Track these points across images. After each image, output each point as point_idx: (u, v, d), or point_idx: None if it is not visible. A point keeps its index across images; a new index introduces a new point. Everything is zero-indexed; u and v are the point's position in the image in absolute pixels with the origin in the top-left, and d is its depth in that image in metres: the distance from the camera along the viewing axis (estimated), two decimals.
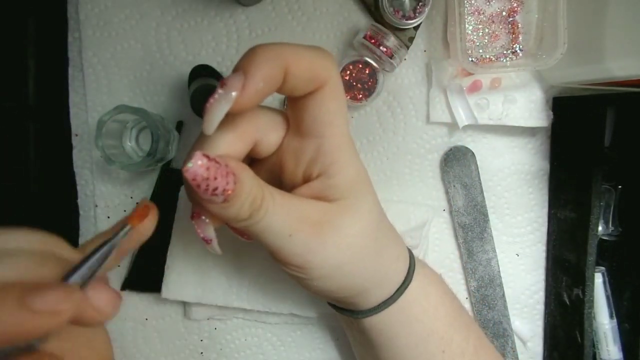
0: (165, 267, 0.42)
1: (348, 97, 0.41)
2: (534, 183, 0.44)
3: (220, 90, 0.23)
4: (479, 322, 0.44)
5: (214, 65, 0.43)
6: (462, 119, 0.42)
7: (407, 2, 0.40)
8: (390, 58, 0.40)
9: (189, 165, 0.22)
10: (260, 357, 0.45)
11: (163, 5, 0.43)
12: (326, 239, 0.27)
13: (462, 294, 0.45)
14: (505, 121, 0.42)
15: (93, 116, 0.43)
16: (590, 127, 0.39)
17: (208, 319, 0.45)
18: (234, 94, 0.23)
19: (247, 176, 0.24)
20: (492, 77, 0.42)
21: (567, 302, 0.41)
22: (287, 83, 0.25)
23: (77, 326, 0.21)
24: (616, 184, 0.43)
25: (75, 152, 0.44)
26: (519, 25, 0.42)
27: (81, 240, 0.44)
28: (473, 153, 0.43)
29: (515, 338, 0.45)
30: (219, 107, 0.23)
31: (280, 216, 0.26)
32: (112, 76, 0.43)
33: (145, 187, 0.44)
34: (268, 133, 0.28)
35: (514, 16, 0.42)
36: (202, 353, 0.45)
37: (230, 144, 0.26)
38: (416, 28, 0.42)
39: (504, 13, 0.42)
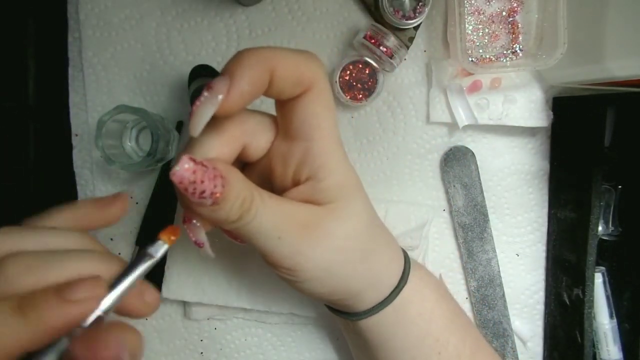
0: (165, 267, 0.42)
1: (348, 97, 0.41)
2: (534, 183, 0.44)
3: (206, 93, 0.23)
4: (479, 322, 0.44)
5: (214, 65, 0.43)
6: (462, 119, 0.42)
7: (407, 2, 0.40)
8: (390, 58, 0.40)
9: (176, 168, 0.23)
10: (260, 357, 0.45)
11: (163, 5, 0.43)
12: (314, 242, 0.27)
13: (462, 294, 0.45)
14: (505, 121, 0.42)
15: (93, 116, 0.43)
16: (590, 127, 0.39)
17: (208, 319, 0.45)
18: (220, 96, 0.23)
19: (236, 178, 0.25)
20: (492, 77, 0.42)
21: (567, 302, 0.41)
22: (273, 86, 0.25)
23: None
24: (616, 184, 0.43)
25: (75, 152, 0.44)
26: (519, 25, 0.42)
27: None
28: (473, 153, 0.43)
29: (515, 338, 0.45)
30: (205, 109, 0.23)
31: (269, 218, 0.26)
32: (112, 76, 0.43)
33: (145, 187, 0.44)
34: (256, 137, 0.28)
35: (514, 16, 0.42)
36: (202, 353, 0.45)
37: (219, 148, 0.26)
38: (416, 28, 0.42)
39: (504, 13, 0.42)
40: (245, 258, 0.42)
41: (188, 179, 0.23)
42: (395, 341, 0.33)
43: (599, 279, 0.41)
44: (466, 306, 0.45)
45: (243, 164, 0.31)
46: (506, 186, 0.44)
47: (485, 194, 0.44)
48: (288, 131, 0.28)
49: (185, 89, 0.41)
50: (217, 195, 0.24)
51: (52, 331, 0.20)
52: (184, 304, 0.44)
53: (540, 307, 0.45)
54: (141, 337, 0.23)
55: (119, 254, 0.44)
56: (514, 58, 0.42)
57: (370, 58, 0.40)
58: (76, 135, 0.44)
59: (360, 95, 0.41)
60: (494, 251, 0.44)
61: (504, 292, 0.44)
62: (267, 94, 0.26)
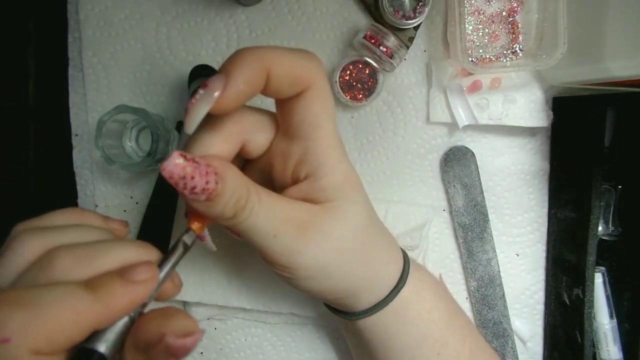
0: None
1: (348, 97, 0.41)
2: (534, 183, 0.44)
3: (201, 91, 0.23)
4: (479, 322, 0.44)
5: (214, 65, 0.43)
6: (462, 119, 0.42)
7: (407, 2, 0.40)
8: (390, 58, 0.40)
9: (166, 163, 0.23)
10: (260, 357, 0.45)
11: (163, 5, 0.43)
12: (310, 241, 0.27)
13: (462, 294, 0.45)
14: (505, 121, 0.42)
15: (93, 116, 0.43)
16: (590, 127, 0.39)
17: (208, 319, 0.45)
18: (215, 94, 0.23)
19: (232, 175, 0.25)
20: (492, 77, 0.42)
21: (567, 302, 0.41)
22: (270, 86, 0.25)
23: None
24: (616, 184, 0.43)
25: (75, 152, 0.44)
26: (519, 25, 0.42)
27: None
28: (473, 153, 0.43)
29: (515, 338, 0.45)
30: (200, 107, 0.23)
31: (265, 217, 0.26)
32: (112, 76, 0.43)
33: (145, 187, 0.44)
34: (256, 134, 0.28)
35: (514, 16, 0.42)
36: (202, 353, 0.45)
37: (218, 145, 0.27)
38: (416, 28, 0.42)
39: (504, 13, 0.42)
40: (245, 258, 0.42)
41: (178, 174, 0.23)
42: (394, 341, 0.33)
43: (599, 279, 0.41)
44: (466, 306, 0.45)
45: (245, 160, 0.31)
46: (506, 186, 0.44)
47: (485, 194, 0.44)
48: (288, 130, 0.28)
49: (185, 89, 0.41)
50: (210, 191, 0.24)
51: (120, 309, 0.22)
52: (184, 304, 0.44)
53: (540, 307, 0.45)
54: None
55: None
56: (514, 58, 0.42)
57: (370, 58, 0.40)
58: (76, 135, 0.44)
59: (360, 95, 0.41)
60: (494, 251, 0.44)
61: (504, 292, 0.44)
62: (264, 93, 0.26)
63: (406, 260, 0.34)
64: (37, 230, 0.24)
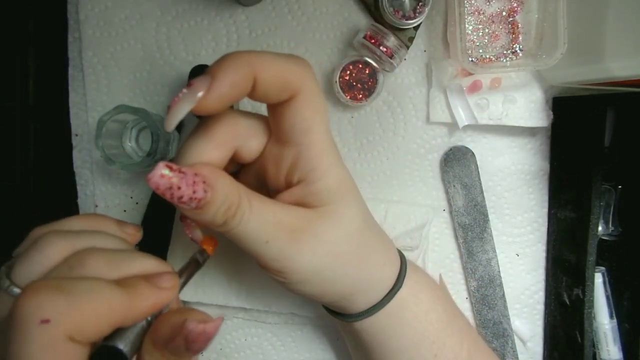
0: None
1: (348, 97, 0.41)
2: (534, 183, 0.44)
3: (185, 90, 0.24)
4: (479, 322, 0.44)
5: None
6: (462, 119, 0.42)
7: (407, 2, 0.40)
8: (390, 58, 0.40)
9: (151, 175, 0.23)
10: (260, 357, 0.45)
11: (163, 5, 0.43)
12: (303, 246, 0.27)
13: (462, 294, 0.45)
14: (505, 121, 0.42)
15: (93, 116, 0.43)
16: (590, 127, 0.39)
17: None
18: (198, 94, 0.23)
19: (222, 183, 0.25)
20: (492, 77, 0.42)
21: (567, 302, 0.41)
22: (258, 90, 0.25)
23: None
24: (616, 184, 0.43)
25: (75, 152, 0.44)
26: (519, 25, 0.42)
27: None
28: (473, 153, 0.43)
29: (515, 338, 0.45)
30: (181, 105, 0.24)
31: (256, 223, 0.26)
32: (112, 76, 0.43)
33: (145, 187, 0.44)
34: (248, 139, 0.28)
35: (514, 16, 0.42)
36: (202, 353, 0.45)
37: (210, 151, 0.27)
38: (416, 28, 0.42)
39: (504, 13, 0.42)
40: (245, 258, 0.42)
41: (164, 185, 0.23)
42: (391, 343, 0.33)
43: (599, 279, 0.41)
44: (466, 306, 0.45)
45: (239, 165, 0.31)
46: (506, 186, 0.44)
47: (485, 194, 0.44)
48: (279, 135, 0.28)
49: None
50: (199, 200, 0.24)
51: (145, 310, 0.23)
52: (184, 303, 0.44)
53: (540, 307, 0.45)
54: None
55: None
56: (514, 58, 0.42)
57: (370, 58, 0.40)
58: (76, 135, 0.44)
59: (360, 95, 0.41)
60: (494, 251, 0.44)
61: (504, 292, 0.44)
62: (252, 97, 0.26)
63: (403, 262, 0.34)
64: (62, 232, 0.25)
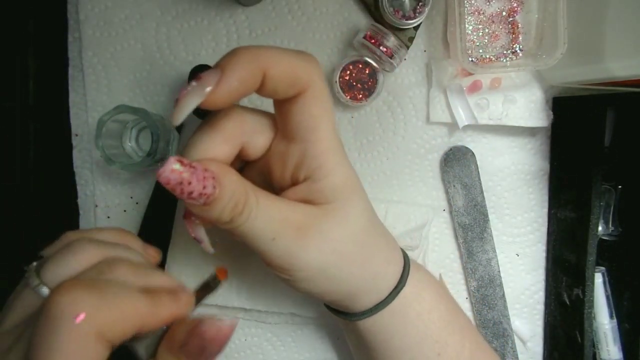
0: (165, 267, 0.42)
1: (348, 97, 0.41)
2: (534, 183, 0.44)
3: (194, 83, 0.23)
4: (479, 322, 0.44)
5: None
6: (462, 119, 0.42)
7: (407, 2, 0.40)
8: (390, 58, 0.40)
9: (162, 169, 0.23)
10: (260, 357, 0.45)
11: (163, 5, 0.43)
12: (309, 243, 0.27)
13: (462, 294, 0.45)
14: (505, 121, 0.42)
15: (93, 116, 0.43)
16: (590, 127, 0.39)
17: None
18: (207, 89, 0.23)
19: (229, 179, 0.25)
20: (492, 77, 0.42)
21: (567, 302, 0.41)
22: (266, 86, 0.25)
23: None
24: (616, 184, 0.43)
25: (75, 152, 0.44)
26: (519, 25, 0.42)
27: None
28: (473, 153, 0.43)
29: (515, 338, 0.45)
30: (190, 99, 0.23)
31: (263, 220, 0.26)
32: (112, 76, 0.43)
33: (145, 187, 0.44)
34: (255, 136, 0.28)
35: (514, 16, 0.42)
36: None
37: (217, 147, 0.26)
38: (416, 28, 0.42)
39: (504, 13, 0.42)
40: (246, 258, 0.42)
41: (175, 180, 0.23)
42: (394, 342, 0.33)
43: (599, 279, 0.41)
44: (466, 306, 0.45)
45: (243, 162, 0.31)
46: (506, 186, 0.44)
47: (485, 194, 0.44)
48: (286, 132, 0.28)
49: None
50: (208, 196, 0.24)
51: (165, 319, 0.24)
52: None
53: (540, 307, 0.45)
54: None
55: None
56: (514, 58, 0.42)
57: (370, 58, 0.40)
58: (76, 135, 0.44)
59: (360, 95, 0.41)
60: (494, 251, 0.44)
61: (504, 292, 0.44)
62: (260, 93, 0.26)
63: (406, 261, 0.34)
64: (95, 240, 0.26)
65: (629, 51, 0.34)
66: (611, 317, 0.41)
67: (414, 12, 0.40)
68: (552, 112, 0.42)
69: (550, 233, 0.44)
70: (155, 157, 0.38)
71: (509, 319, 0.44)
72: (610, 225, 0.43)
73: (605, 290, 0.42)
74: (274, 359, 0.45)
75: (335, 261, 0.28)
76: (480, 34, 0.42)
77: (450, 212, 0.44)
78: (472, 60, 0.41)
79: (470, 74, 0.42)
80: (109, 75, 0.43)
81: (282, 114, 0.28)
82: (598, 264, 0.41)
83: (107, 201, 0.44)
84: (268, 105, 0.29)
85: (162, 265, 0.42)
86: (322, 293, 0.30)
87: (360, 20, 0.43)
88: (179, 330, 0.24)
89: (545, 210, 0.45)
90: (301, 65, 0.26)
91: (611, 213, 0.43)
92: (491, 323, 0.44)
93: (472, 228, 0.44)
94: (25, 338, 0.21)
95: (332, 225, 0.28)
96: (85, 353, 0.20)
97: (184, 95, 0.23)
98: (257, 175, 0.30)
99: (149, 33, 0.43)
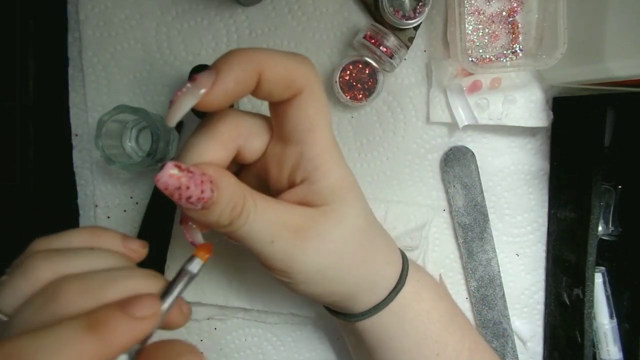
0: (165, 267, 0.42)
1: (348, 97, 0.41)
2: (534, 183, 0.44)
3: (189, 85, 0.23)
4: (479, 322, 0.44)
5: None
6: (462, 119, 0.42)
7: (407, 2, 0.40)
8: (390, 58, 0.40)
9: (160, 175, 0.23)
10: (260, 357, 0.45)
11: (163, 5, 0.43)
12: (307, 245, 0.27)
13: (462, 294, 0.45)
14: (505, 121, 0.42)
15: (93, 116, 0.43)
16: (590, 127, 0.39)
17: (208, 319, 0.45)
18: (202, 91, 0.23)
19: (227, 183, 0.25)
20: (492, 77, 0.42)
21: (567, 302, 0.41)
22: (262, 88, 0.25)
23: None
24: (616, 184, 0.43)
25: (75, 152, 0.44)
26: (519, 25, 0.42)
27: None
28: (473, 153, 0.43)
29: (515, 338, 0.45)
30: (185, 101, 0.23)
31: (261, 223, 0.26)
32: (112, 76, 0.43)
33: (145, 187, 0.44)
34: (251, 139, 0.28)
35: (514, 16, 0.42)
36: (202, 353, 0.45)
37: (213, 151, 0.26)
38: (416, 28, 0.42)
39: (504, 13, 0.42)
40: (245, 258, 0.42)
41: (173, 185, 0.23)
42: (394, 342, 0.33)
43: (599, 279, 0.41)
44: (466, 306, 0.45)
45: (240, 165, 0.31)
46: (506, 186, 0.44)
47: (485, 194, 0.44)
48: (282, 134, 0.28)
49: None
50: (206, 200, 0.24)
51: (122, 347, 0.21)
52: None
53: (540, 307, 0.45)
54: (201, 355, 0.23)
55: None
56: (514, 58, 0.42)
57: (370, 58, 0.40)
58: (76, 135, 0.44)
59: (360, 95, 0.41)
60: (494, 251, 0.44)
61: (504, 292, 0.44)
62: (256, 95, 0.26)
63: (405, 261, 0.34)
64: (51, 254, 0.24)
65: (629, 51, 0.34)
66: (611, 317, 0.41)
67: (414, 12, 0.40)
68: (552, 112, 0.42)
69: (550, 233, 0.44)
70: (155, 157, 0.38)
71: (509, 319, 0.44)
72: (610, 225, 0.43)
73: (605, 290, 0.42)
74: (274, 359, 0.45)
75: (333, 262, 0.28)
76: (480, 34, 0.42)
77: (450, 212, 0.44)
78: (472, 60, 0.41)
79: (470, 74, 0.42)
80: (109, 75, 0.43)
81: (277, 116, 0.28)
82: (598, 264, 0.41)
83: (107, 201, 0.44)
84: (267, 107, 0.29)
85: (162, 265, 0.42)
86: (321, 295, 0.30)
87: (360, 20, 0.43)
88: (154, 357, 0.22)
89: (545, 210, 0.45)
90: (297, 67, 0.26)
91: (611, 213, 0.43)
92: (491, 323, 0.44)
93: (472, 228, 0.44)
94: None
95: (330, 226, 0.28)
96: None
97: (178, 97, 0.23)
98: (254, 178, 0.30)
99: (149, 33, 0.43)
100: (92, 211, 0.44)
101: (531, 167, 0.44)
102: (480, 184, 0.44)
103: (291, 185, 0.28)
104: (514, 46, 0.42)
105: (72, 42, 0.44)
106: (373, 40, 0.39)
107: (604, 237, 0.43)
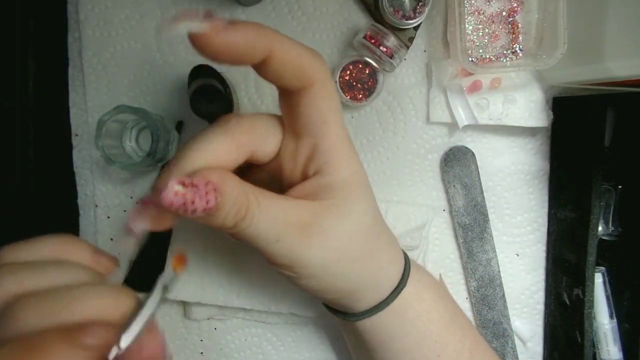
0: (166, 267, 0.42)
1: (348, 97, 0.41)
2: (534, 183, 0.44)
3: (201, 22, 0.22)
4: (479, 322, 0.44)
5: (214, 65, 0.42)
6: (462, 119, 0.42)
7: (407, 2, 0.40)
8: (390, 58, 0.40)
9: (164, 194, 0.22)
10: (260, 357, 0.45)
11: (163, 5, 0.43)
12: (313, 241, 0.27)
13: (462, 294, 0.45)
14: (505, 121, 0.42)
15: (93, 116, 0.43)
16: (590, 127, 0.39)
17: (208, 319, 0.45)
18: (203, 24, 0.22)
19: (230, 187, 0.24)
20: (492, 77, 0.42)
21: (567, 302, 0.41)
22: (272, 67, 0.24)
23: None
24: (616, 184, 0.43)
25: (75, 152, 0.44)
26: (519, 25, 0.42)
27: None
28: (473, 153, 0.43)
29: (515, 338, 0.45)
30: (188, 23, 0.22)
31: (266, 222, 0.26)
32: (112, 76, 0.43)
33: (145, 187, 0.44)
34: (265, 143, 0.28)
35: (514, 16, 0.42)
36: (202, 353, 0.45)
37: (227, 153, 0.26)
38: (416, 28, 0.42)
39: (504, 13, 0.42)
40: (245, 258, 0.42)
41: (178, 202, 0.23)
42: (394, 343, 0.33)
43: (599, 279, 0.41)
44: (466, 306, 0.45)
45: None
46: (506, 186, 0.44)
47: (485, 194, 0.44)
48: (294, 128, 0.28)
49: (185, 89, 0.41)
50: (211, 208, 0.23)
51: None
52: (184, 304, 0.44)
53: (540, 307, 0.45)
54: None
55: (119, 254, 0.44)
56: (514, 58, 0.42)
57: (370, 58, 0.40)
58: (76, 135, 0.44)
59: (360, 95, 0.41)
60: (494, 251, 0.44)
61: (504, 292, 0.44)
62: (265, 75, 0.25)
63: (407, 260, 0.34)
64: (17, 268, 0.22)
65: (629, 51, 0.34)
66: (611, 317, 0.41)
67: (414, 12, 0.40)
68: (552, 112, 0.42)
69: (550, 233, 0.44)
70: (155, 157, 0.38)
71: (509, 319, 0.44)
72: (610, 225, 0.43)
73: (605, 290, 0.42)
74: (274, 359, 0.45)
75: (338, 258, 0.28)
76: (480, 34, 0.42)
77: (450, 212, 0.44)
78: (472, 60, 0.41)
79: (470, 74, 0.42)
80: (109, 75, 0.43)
81: (290, 109, 0.28)
82: (598, 264, 0.41)
83: (107, 201, 0.44)
84: (266, 108, 0.29)
85: (162, 265, 0.42)
86: (324, 290, 0.30)
87: (360, 20, 0.43)
88: None
89: (545, 210, 0.45)
90: (309, 57, 0.25)
91: (611, 213, 0.43)
92: (491, 323, 0.44)
93: (472, 228, 0.44)
94: None
95: (335, 222, 0.28)
96: None
97: (184, 16, 0.22)
98: (266, 175, 0.30)
99: (149, 33, 0.43)
100: (92, 211, 0.44)
101: (531, 167, 0.44)
102: (480, 184, 0.44)
103: (304, 178, 0.28)
104: (514, 46, 0.42)
105: (72, 42, 0.44)
106: (373, 40, 0.39)
107: (604, 237, 0.43)
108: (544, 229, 0.45)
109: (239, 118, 0.27)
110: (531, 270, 0.45)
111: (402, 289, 0.32)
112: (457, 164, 0.43)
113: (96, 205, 0.44)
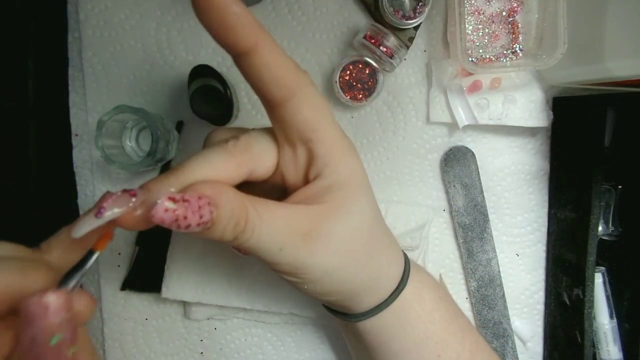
0: (165, 267, 0.42)
1: (348, 97, 0.41)
2: (534, 183, 0.44)
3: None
4: (479, 322, 0.44)
5: (214, 65, 0.43)
6: (462, 119, 0.42)
7: (407, 2, 0.40)
8: (390, 58, 0.40)
9: (154, 211, 0.22)
10: (260, 357, 0.45)
11: (163, 5, 0.43)
12: (316, 246, 0.27)
13: (462, 294, 0.45)
14: (505, 121, 0.42)
15: (93, 116, 0.43)
16: (590, 127, 0.39)
17: (208, 319, 0.45)
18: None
19: (227, 200, 0.24)
20: (492, 77, 0.42)
21: (567, 302, 0.41)
22: (253, 61, 0.24)
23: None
24: (616, 184, 0.43)
25: (75, 152, 0.44)
26: (519, 25, 0.42)
27: None
28: (473, 153, 0.43)
29: (515, 338, 0.45)
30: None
31: (268, 233, 0.26)
32: (112, 76, 0.43)
33: None
34: (263, 160, 0.28)
35: (514, 16, 0.42)
36: (202, 353, 0.45)
37: (225, 170, 0.26)
38: (416, 28, 0.42)
39: (504, 13, 0.42)
40: (246, 258, 0.42)
41: (169, 219, 0.22)
42: (394, 343, 0.33)
43: (599, 279, 0.41)
44: (466, 306, 0.45)
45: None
46: (506, 186, 0.44)
47: (485, 194, 0.44)
48: (288, 138, 0.28)
49: (185, 89, 0.41)
50: (206, 222, 0.23)
51: None
52: (184, 304, 0.44)
53: (540, 307, 0.45)
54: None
55: (119, 254, 0.44)
56: (514, 58, 0.42)
57: (370, 58, 0.40)
58: (76, 135, 0.44)
59: (360, 95, 0.41)
60: (494, 251, 0.44)
61: (504, 292, 0.44)
62: (244, 69, 0.25)
63: (407, 261, 0.34)
64: None
65: (629, 51, 0.34)
66: (611, 317, 0.41)
67: (414, 12, 0.40)
68: (552, 112, 0.42)
69: (550, 233, 0.44)
70: (155, 157, 0.38)
71: (509, 319, 0.44)
72: (610, 225, 0.43)
73: (605, 290, 0.42)
74: (274, 359, 0.45)
75: (340, 261, 0.28)
76: (480, 34, 0.42)
77: (450, 212, 0.44)
78: (472, 60, 0.41)
79: (470, 74, 0.42)
80: (109, 75, 0.43)
81: (277, 122, 0.27)
82: (598, 264, 0.41)
83: None
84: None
85: (162, 265, 0.42)
86: (327, 293, 0.30)
87: (360, 20, 0.43)
88: None
89: (545, 210, 0.45)
90: (290, 67, 0.25)
91: (611, 213, 0.43)
92: (491, 323, 0.44)
93: (472, 228, 0.44)
94: None
95: (336, 224, 0.28)
96: None
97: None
98: (269, 185, 0.30)
99: (149, 33, 0.43)
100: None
101: (531, 167, 0.44)
102: (480, 184, 0.44)
103: (307, 183, 0.28)
104: (514, 46, 0.42)
105: (72, 42, 0.44)
106: (373, 40, 0.39)
107: (604, 237, 0.43)
108: (544, 229, 0.45)
109: (235, 139, 0.27)
110: (531, 270, 0.45)
111: (402, 290, 0.32)
112: (457, 164, 0.43)
113: None
